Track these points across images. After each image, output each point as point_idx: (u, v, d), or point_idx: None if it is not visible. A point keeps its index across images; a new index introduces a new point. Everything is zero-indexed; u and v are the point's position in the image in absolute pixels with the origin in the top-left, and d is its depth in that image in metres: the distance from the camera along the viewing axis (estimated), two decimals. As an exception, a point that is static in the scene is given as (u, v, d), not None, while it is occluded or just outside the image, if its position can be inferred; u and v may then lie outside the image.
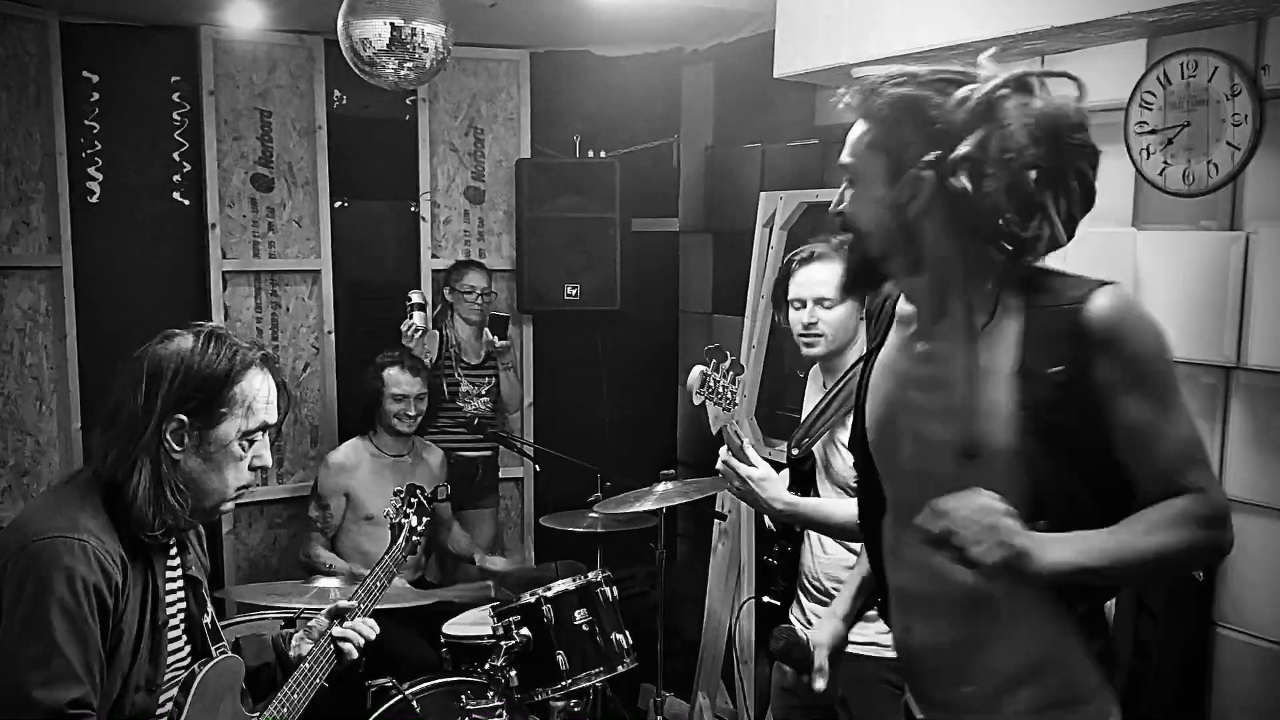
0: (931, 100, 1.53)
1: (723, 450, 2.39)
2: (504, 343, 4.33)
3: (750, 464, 2.34)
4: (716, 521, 4.07)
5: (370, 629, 2.26)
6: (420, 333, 4.20)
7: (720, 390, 2.39)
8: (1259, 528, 2.77)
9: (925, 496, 1.47)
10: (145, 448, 1.83)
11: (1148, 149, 2.94)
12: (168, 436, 1.85)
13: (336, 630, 2.22)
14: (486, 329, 4.34)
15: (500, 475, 4.71)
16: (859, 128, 1.64)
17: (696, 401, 2.42)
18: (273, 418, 1.96)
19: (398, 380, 4.00)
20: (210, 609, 2.07)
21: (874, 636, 2.61)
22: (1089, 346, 1.49)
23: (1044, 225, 1.50)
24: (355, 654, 2.22)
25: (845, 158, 1.65)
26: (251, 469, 1.95)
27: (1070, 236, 1.54)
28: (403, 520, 2.70)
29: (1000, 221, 1.49)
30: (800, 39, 3.47)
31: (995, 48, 1.66)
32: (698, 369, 2.45)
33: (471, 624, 3.50)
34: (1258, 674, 2.75)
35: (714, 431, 2.39)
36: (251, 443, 1.93)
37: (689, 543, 4.71)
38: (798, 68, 3.50)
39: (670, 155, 4.88)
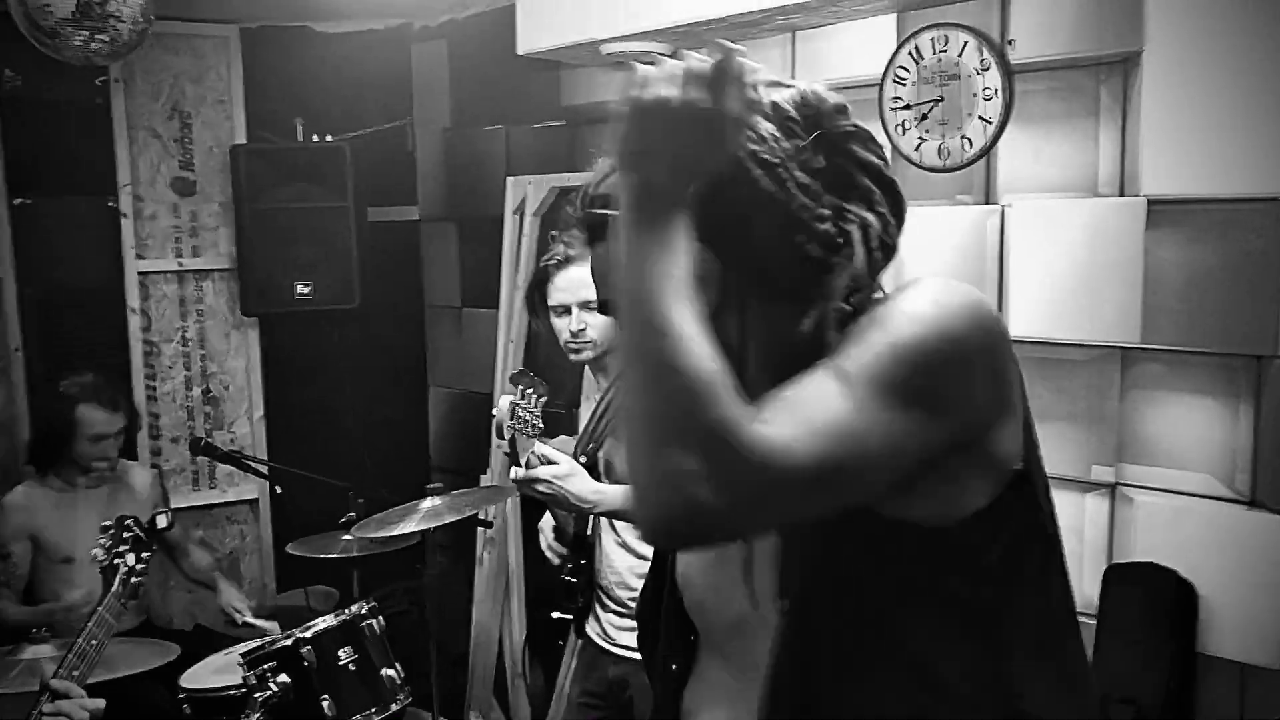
0: None
1: (515, 469, 2.30)
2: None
3: (552, 462, 2.26)
4: (481, 530, 3.84)
5: (83, 712, 1.87)
6: None
7: (529, 420, 2.33)
8: (1026, 495, 2.83)
9: None
10: None
11: (903, 124, 2.94)
12: None
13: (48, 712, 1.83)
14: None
15: (230, 498, 4.28)
16: None
17: (506, 435, 2.33)
18: None
19: (93, 420, 3.44)
20: None
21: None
22: None
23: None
24: None
25: None
26: None
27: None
28: (116, 561, 2.30)
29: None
30: (544, 14, 3.30)
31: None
32: (507, 399, 2.38)
33: (215, 672, 3.09)
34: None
35: (523, 464, 2.28)
36: None
37: (448, 554, 4.44)
38: (542, 44, 3.33)
39: (405, 139, 4.56)
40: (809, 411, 0.99)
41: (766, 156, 1.09)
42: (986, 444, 1.08)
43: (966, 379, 1.05)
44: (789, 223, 1.09)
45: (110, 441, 3.50)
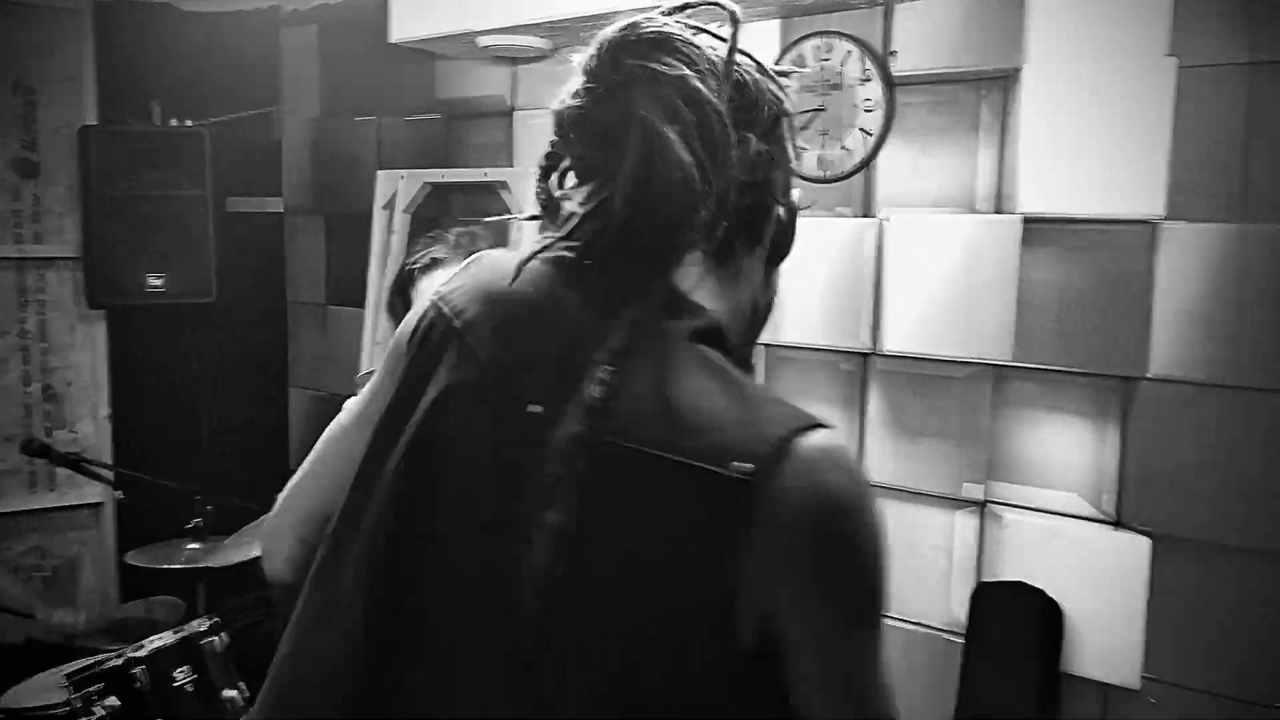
0: None
1: None
2: None
3: None
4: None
5: None
6: None
7: None
8: (895, 511, 2.80)
9: None
10: None
11: (784, 133, 2.89)
12: None
13: None
14: None
15: (71, 502, 3.98)
16: None
17: None
18: None
19: None
20: None
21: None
22: None
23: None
24: None
25: None
26: None
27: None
28: None
29: None
30: (419, 2, 3.15)
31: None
32: None
33: (40, 691, 2.85)
34: (924, 660, 2.79)
35: None
36: None
37: (308, 561, 4.23)
38: (416, 33, 3.18)
39: (270, 126, 4.34)
40: None
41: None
42: None
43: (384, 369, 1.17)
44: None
45: None
